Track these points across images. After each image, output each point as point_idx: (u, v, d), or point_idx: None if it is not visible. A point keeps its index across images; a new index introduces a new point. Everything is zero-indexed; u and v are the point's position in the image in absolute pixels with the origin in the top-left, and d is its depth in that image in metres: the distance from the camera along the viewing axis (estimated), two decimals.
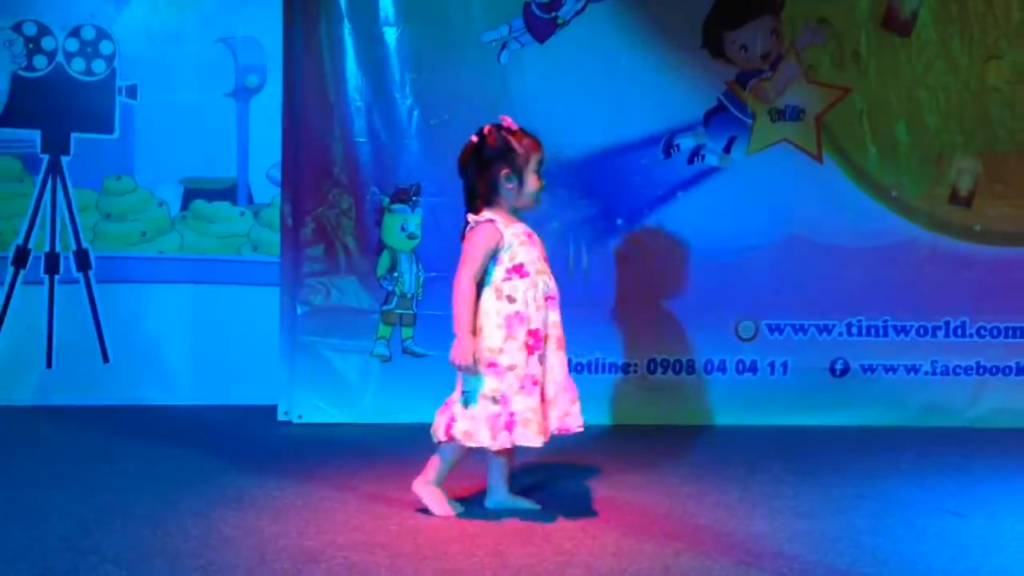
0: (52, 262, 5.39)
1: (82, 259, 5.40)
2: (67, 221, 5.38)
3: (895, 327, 4.95)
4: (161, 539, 3.22)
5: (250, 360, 5.29)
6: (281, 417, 5.02)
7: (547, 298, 3.51)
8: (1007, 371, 4.95)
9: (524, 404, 3.43)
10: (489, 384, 3.44)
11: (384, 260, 5.07)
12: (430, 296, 5.03)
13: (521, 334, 3.44)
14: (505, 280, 3.48)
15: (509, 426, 3.43)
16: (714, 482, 4.02)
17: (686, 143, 4.98)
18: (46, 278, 5.38)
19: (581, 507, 3.63)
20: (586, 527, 3.41)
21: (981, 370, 4.94)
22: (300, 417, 4.99)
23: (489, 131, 3.54)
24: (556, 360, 3.52)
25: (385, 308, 5.05)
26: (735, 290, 4.97)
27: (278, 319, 5.06)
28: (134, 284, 5.45)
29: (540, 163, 3.57)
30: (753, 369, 5.00)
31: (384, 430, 4.85)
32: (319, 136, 4.99)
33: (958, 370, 4.94)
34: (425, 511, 3.53)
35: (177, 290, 5.45)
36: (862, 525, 3.49)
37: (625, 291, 4.98)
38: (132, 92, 5.40)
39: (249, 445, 4.56)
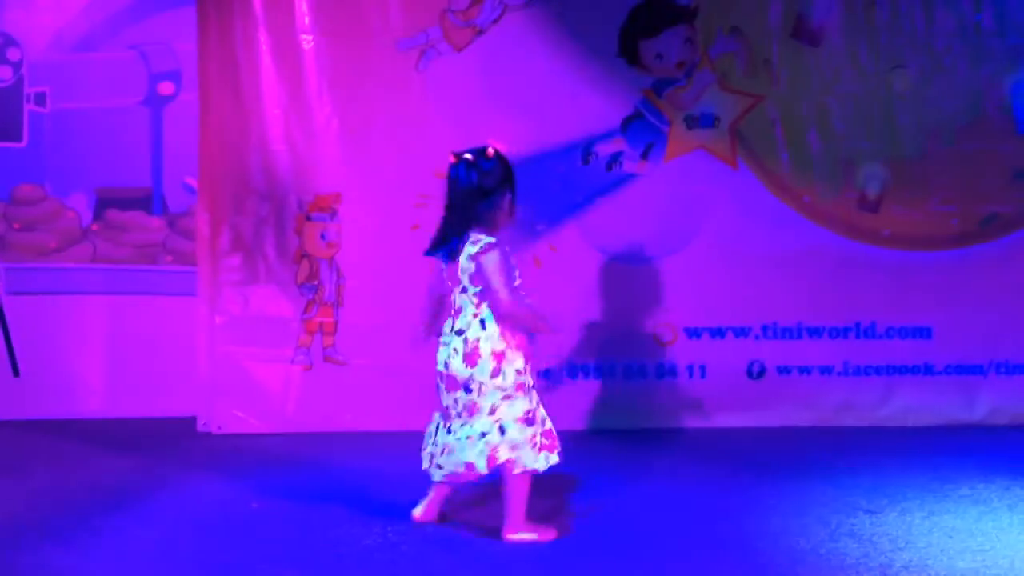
0: None
1: None
2: None
3: (808, 329, 5.06)
4: (75, 557, 3.15)
5: (168, 371, 5.19)
6: (200, 429, 4.94)
7: None
8: (915, 371, 5.09)
9: (545, 418, 3.41)
10: (521, 406, 3.35)
11: (304, 268, 5.02)
12: (351, 304, 5.00)
13: (528, 353, 3.41)
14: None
15: (550, 447, 3.38)
16: (634, 486, 4.06)
17: (604, 150, 5.03)
18: None
19: (491, 514, 3.63)
20: (496, 531, 3.42)
21: (891, 370, 5.08)
22: (220, 428, 4.92)
23: (495, 154, 3.44)
24: None
25: (305, 316, 5.01)
26: (654, 295, 5.03)
27: (196, 329, 4.98)
28: (45, 296, 5.31)
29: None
30: (672, 373, 5.07)
31: (306, 440, 4.81)
32: (235, 144, 4.94)
33: (869, 370, 5.07)
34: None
35: (90, 301, 5.32)
36: (779, 525, 3.56)
37: (544, 297, 5.00)
38: (41, 100, 5.27)
39: (167, 458, 4.48)
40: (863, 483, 4.07)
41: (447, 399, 3.43)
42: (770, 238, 5.00)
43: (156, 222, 5.35)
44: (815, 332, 5.06)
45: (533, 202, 4.96)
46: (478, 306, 3.39)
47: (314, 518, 3.57)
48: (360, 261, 5.01)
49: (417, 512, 3.53)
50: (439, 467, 3.43)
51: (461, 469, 3.37)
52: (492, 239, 3.38)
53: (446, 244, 3.42)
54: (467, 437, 3.34)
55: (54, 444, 4.72)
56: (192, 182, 5.14)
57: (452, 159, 3.46)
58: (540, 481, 3.41)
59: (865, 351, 5.04)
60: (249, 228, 4.97)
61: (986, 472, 4.21)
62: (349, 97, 4.94)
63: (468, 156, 3.44)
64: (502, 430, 3.33)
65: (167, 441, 4.77)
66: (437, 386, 3.47)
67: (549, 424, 3.42)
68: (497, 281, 3.33)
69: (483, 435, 3.33)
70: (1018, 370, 5.11)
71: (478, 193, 3.40)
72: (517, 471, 3.32)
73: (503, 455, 3.30)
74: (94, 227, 5.33)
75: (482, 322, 3.38)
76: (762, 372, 5.08)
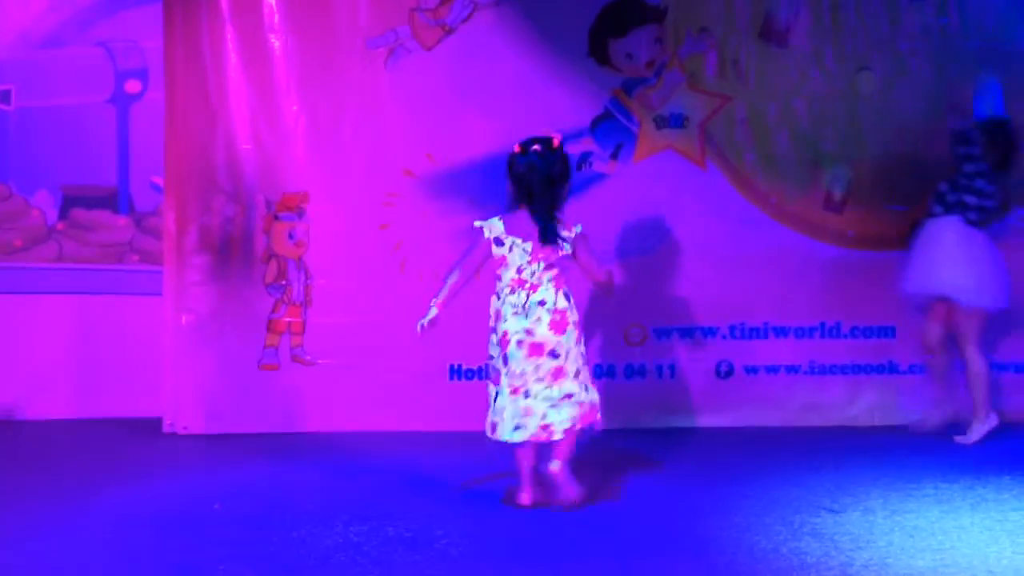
0: None
1: None
2: None
3: (775, 329, 5.08)
4: (28, 560, 3.12)
5: (134, 372, 5.15)
6: (167, 429, 4.90)
7: None
8: (880, 370, 5.12)
9: None
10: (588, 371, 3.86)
11: (272, 268, 5.00)
12: (319, 303, 4.98)
13: None
14: None
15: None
16: (599, 485, 4.06)
17: (574, 150, 5.02)
18: None
19: (467, 513, 3.63)
20: (472, 533, 3.41)
21: (856, 370, 5.10)
22: (186, 428, 4.89)
23: (561, 143, 3.86)
24: None
25: (273, 316, 4.98)
26: (623, 295, 5.00)
27: (162, 329, 4.95)
28: (9, 295, 5.26)
29: None
30: (642, 373, 5.07)
31: (273, 440, 4.78)
32: (202, 143, 4.91)
33: (835, 370, 5.09)
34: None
35: (56, 301, 5.27)
36: (742, 524, 3.57)
37: None
38: (6, 97, 5.22)
39: (131, 459, 4.46)
40: (828, 482, 4.08)
41: (525, 365, 3.68)
42: (737, 238, 5.01)
43: (122, 221, 5.31)
44: (781, 332, 5.07)
45: (501, 201, 4.97)
46: (564, 281, 3.79)
47: (276, 518, 3.55)
48: (328, 261, 4.99)
49: (524, 498, 3.72)
50: (519, 428, 3.66)
51: (543, 431, 3.66)
52: (580, 225, 3.81)
53: (548, 229, 3.73)
54: (557, 398, 3.67)
55: (16, 445, 4.68)
56: (159, 181, 5.10)
57: (518, 149, 3.80)
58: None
59: (831, 351, 5.06)
60: (216, 227, 4.94)
61: (950, 471, 4.24)
62: (317, 96, 4.93)
63: (538, 147, 3.78)
64: (587, 391, 3.75)
65: (132, 442, 4.73)
66: (506, 356, 3.71)
67: None
68: (596, 259, 3.89)
69: (569, 396, 3.69)
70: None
71: (559, 180, 3.77)
72: (598, 428, 3.80)
73: (592, 414, 3.76)
74: (60, 226, 5.29)
75: (566, 295, 3.79)
76: (730, 372, 5.10)
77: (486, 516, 3.61)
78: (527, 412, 3.67)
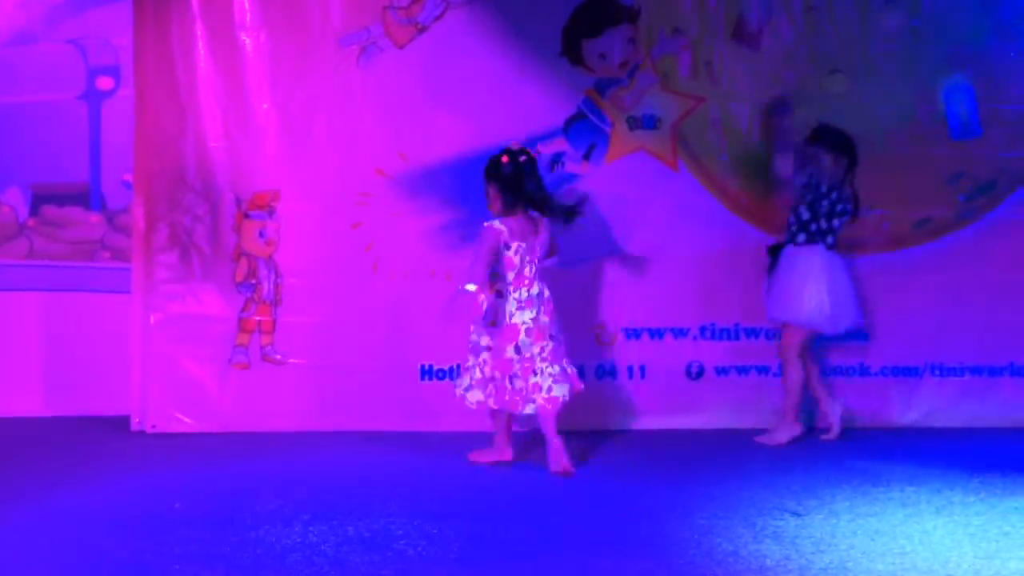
0: None
1: None
2: None
3: (746, 330, 5.07)
4: None
5: (103, 369, 5.12)
6: (135, 428, 4.87)
7: None
8: (850, 372, 5.12)
9: None
10: None
11: (242, 266, 4.97)
12: (289, 302, 4.96)
13: None
14: None
15: None
16: (563, 486, 4.06)
17: (546, 150, 5.01)
18: None
19: (430, 514, 3.61)
20: (432, 534, 3.40)
21: (827, 372, 5.08)
22: (154, 427, 4.86)
23: None
24: None
25: (243, 315, 4.96)
26: (593, 295, 5.03)
27: (130, 327, 4.92)
28: None
29: None
30: (612, 373, 5.06)
31: (242, 439, 4.76)
32: (173, 140, 4.88)
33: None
34: None
35: (27, 298, 5.24)
36: (704, 526, 3.56)
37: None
38: None
39: (97, 457, 4.43)
40: (794, 485, 4.07)
41: (532, 349, 4.26)
42: (709, 239, 5.00)
43: (94, 218, 5.28)
44: (752, 333, 5.06)
45: (473, 201, 4.96)
46: (544, 274, 4.35)
47: (237, 518, 3.53)
48: (299, 259, 4.97)
49: (508, 454, 4.37)
50: (532, 402, 4.23)
51: (549, 403, 4.23)
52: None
53: (570, 211, 4.39)
54: (558, 374, 4.26)
55: None
56: (130, 178, 5.07)
57: (506, 158, 4.32)
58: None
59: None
60: (186, 225, 4.91)
61: (918, 475, 4.24)
62: (289, 93, 4.90)
63: (524, 156, 4.33)
64: (570, 365, 4.36)
65: (99, 440, 4.71)
66: (518, 345, 4.25)
67: None
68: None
69: (564, 371, 4.30)
70: (953, 372, 5.14)
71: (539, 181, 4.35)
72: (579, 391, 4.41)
73: (576, 383, 4.35)
74: (30, 223, 5.25)
75: (548, 286, 4.37)
76: (701, 373, 5.09)
77: (446, 517, 3.59)
78: (535, 388, 4.24)
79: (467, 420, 4.87)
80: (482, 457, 4.42)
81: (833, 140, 4.72)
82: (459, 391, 4.39)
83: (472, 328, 4.32)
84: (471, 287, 4.21)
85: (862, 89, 5.03)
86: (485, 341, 4.29)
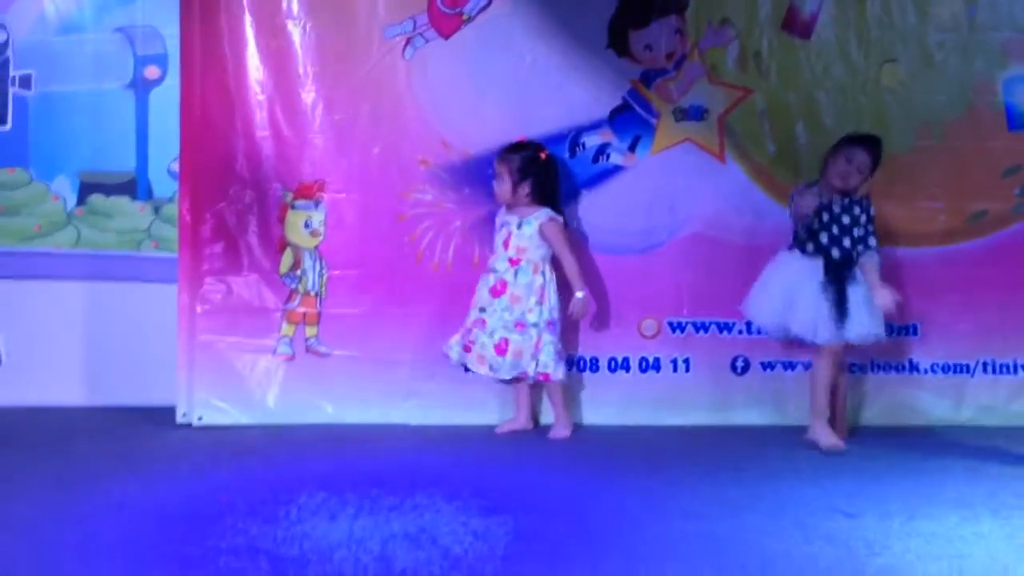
0: None
1: None
2: None
3: None
4: (33, 550, 3.11)
5: (149, 360, 5.15)
6: (180, 419, 4.89)
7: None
8: (900, 368, 5.03)
9: None
10: None
11: (287, 257, 4.97)
12: (334, 294, 4.95)
13: None
14: None
15: None
16: (613, 484, 4.01)
17: (591, 141, 4.97)
18: None
19: (476, 510, 3.59)
20: (478, 531, 3.38)
21: (875, 367, 5.01)
22: (200, 419, 4.87)
23: None
24: None
25: (288, 306, 4.96)
26: (638, 288, 4.97)
27: (177, 318, 4.94)
28: (29, 280, 5.28)
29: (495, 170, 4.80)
30: (656, 367, 5.01)
31: (287, 431, 4.77)
32: (219, 130, 4.88)
33: (854, 368, 4.98)
34: None
35: (73, 287, 5.29)
36: (754, 525, 3.50)
37: None
38: (26, 82, 5.23)
39: (143, 449, 4.45)
40: (845, 485, 4.00)
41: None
42: (756, 231, 4.92)
43: (141, 208, 5.31)
44: None
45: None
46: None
47: (282, 511, 3.52)
48: (345, 251, 4.96)
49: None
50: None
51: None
52: None
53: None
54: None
55: (29, 431, 4.69)
56: (176, 168, 5.09)
57: (544, 155, 4.78)
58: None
59: (850, 347, 4.96)
60: (232, 216, 4.91)
61: (971, 475, 4.16)
62: (335, 84, 4.88)
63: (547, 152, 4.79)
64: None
65: (145, 431, 4.73)
66: (557, 321, 4.78)
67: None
68: None
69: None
70: (1005, 368, 5.04)
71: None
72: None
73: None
74: (78, 212, 5.29)
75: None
76: (746, 367, 5.03)
77: (492, 512, 3.56)
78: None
79: (511, 411, 4.87)
80: (504, 427, 4.81)
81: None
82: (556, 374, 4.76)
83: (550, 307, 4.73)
84: (582, 293, 4.70)
85: (917, 80, 4.94)
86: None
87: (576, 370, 4.98)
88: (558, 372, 4.75)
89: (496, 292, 4.73)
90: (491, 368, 4.71)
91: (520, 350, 4.69)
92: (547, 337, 4.69)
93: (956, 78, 4.95)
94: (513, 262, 4.72)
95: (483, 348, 4.69)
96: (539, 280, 4.69)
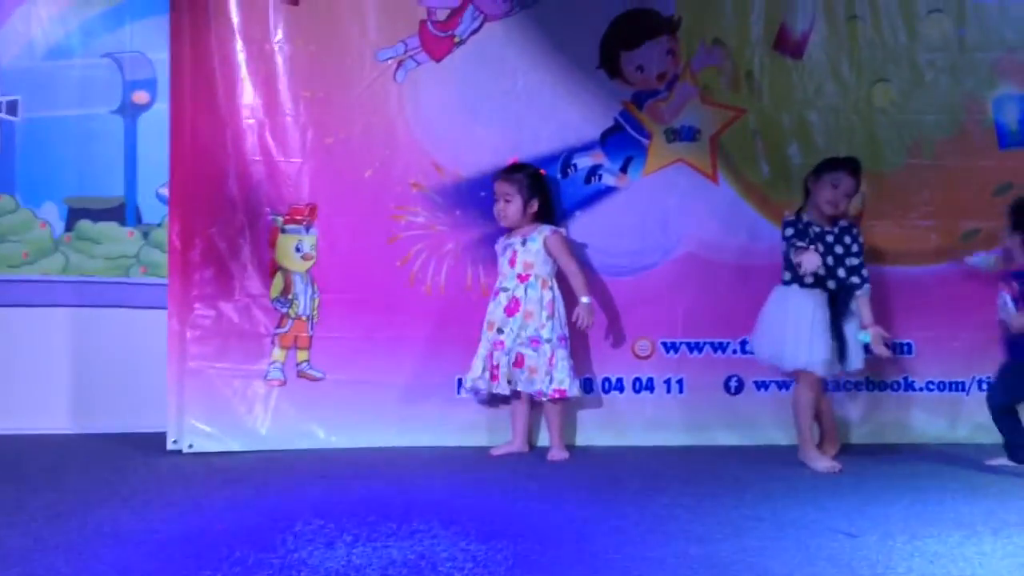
0: None
1: None
2: None
3: None
4: None
5: (139, 387, 5.10)
6: (170, 446, 4.83)
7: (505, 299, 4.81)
8: (895, 387, 5.03)
9: None
10: None
11: (278, 282, 4.94)
12: (326, 318, 4.92)
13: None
14: None
15: None
16: (611, 505, 3.98)
17: (583, 163, 4.96)
18: None
19: (475, 535, 3.55)
20: (478, 556, 3.33)
21: (870, 386, 5.00)
22: (191, 446, 4.81)
23: None
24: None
25: (279, 331, 4.92)
26: (631, 309, 4.97)
27: (167, 344, 4.89)
28: (15, 308, 5.23)
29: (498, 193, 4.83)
30: (650, 387, 4.99)
31: (279, 457, 4.71)
32: (209, 154, 4.85)
33: (848, 386, 4.99)
34: None
35: (62, 314, 5.24)
36: (755, 547, 3.47)
37: None
38: (12, 108, 5.20)
39: (134, 476, 4.38)
40: (844, 505, 3.97)
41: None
42: (749, 251, 4.93)
43: (130, 234, 5.27)
44: None
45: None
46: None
47: (278, 539, 3.46)
48: (336, 274, 4.93)
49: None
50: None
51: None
52: None
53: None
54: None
55: (19, 459, 4.62)
56: (166, 192, 5.06)
57: (543, 171, 4.86)
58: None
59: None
60: (222, 241, 4.88)
61: (971, 493, 4.14)
62: (325, 107, 4.87)
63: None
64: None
65: (136, 458, 4.67)
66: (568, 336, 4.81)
67: None
68: None
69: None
70: None
71: None
72: None
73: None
74: (66, 238, 5.25)
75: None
76: (740, 387, 5.01)
77: (492, 537, 3.52)
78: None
79: (506, 434, 4.83)
80: (500, 450, 4.78)
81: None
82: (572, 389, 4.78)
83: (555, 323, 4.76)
84: (587, 299, 4.73)
85: (908, 99, 4.96)
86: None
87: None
88: (573, 389, 4.74)
89: (510, 311, 4.73)
90: (508, 381, 4.73)
91: (535, 367, 4.69)
92: (560, 353, 4.71)
93: (947, 97, 4.99)
94: (522, 278, 4.72)
95: (505, 366, 4.73)
96: (548, 295, 4.72)
